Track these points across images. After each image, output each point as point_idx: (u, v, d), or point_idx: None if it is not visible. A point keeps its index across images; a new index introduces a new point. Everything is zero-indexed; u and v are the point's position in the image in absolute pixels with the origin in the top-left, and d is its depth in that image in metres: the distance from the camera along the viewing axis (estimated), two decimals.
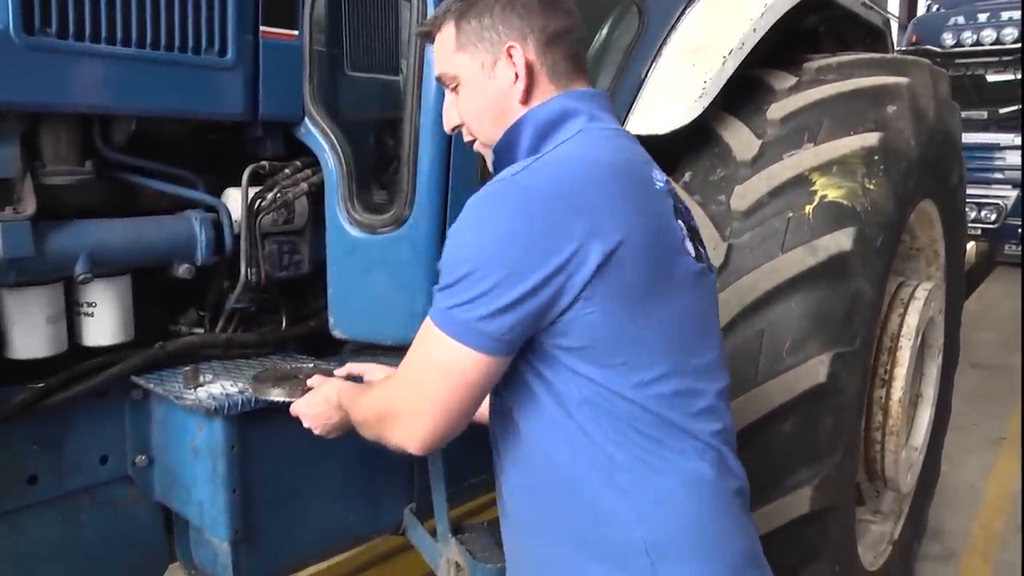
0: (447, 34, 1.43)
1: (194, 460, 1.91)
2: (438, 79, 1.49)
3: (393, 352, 2.21)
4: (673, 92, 2.40)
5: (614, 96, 2.42)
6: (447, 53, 1.43)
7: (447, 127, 1.51)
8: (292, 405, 1.74)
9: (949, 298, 3.29)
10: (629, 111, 2.44)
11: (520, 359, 1.31)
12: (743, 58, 2.41)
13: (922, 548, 3.67)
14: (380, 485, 2.23)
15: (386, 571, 3.19)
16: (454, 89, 1.46)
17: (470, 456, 2.24)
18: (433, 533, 2.23)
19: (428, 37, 1.49)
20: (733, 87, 2.44)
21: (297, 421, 1.87)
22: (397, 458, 2.20)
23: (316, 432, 1.71)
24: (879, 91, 2.43)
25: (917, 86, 2.57)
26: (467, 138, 1.50)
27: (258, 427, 1.91)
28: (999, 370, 7.12)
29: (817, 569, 2.29)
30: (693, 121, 2.36)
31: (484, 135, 1.45)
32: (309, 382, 1.77)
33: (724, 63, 2.39)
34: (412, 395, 1.35)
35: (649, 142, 1.89)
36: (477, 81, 1.41)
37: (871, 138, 2.25)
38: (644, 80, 2.46)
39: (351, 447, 2.11)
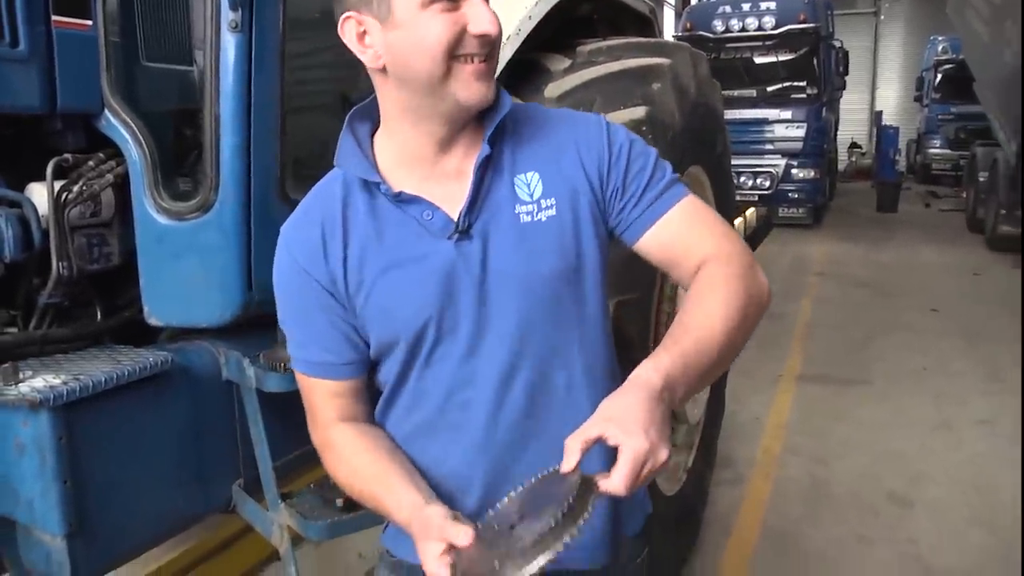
0: None
1: (20, 458, 1.87)
2: None
3: (210, 334, 2.30)
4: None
5: None
6: None
7: (496, 30, 1.24)
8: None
9: None
10: None
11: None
12: (520, 43, 2.59)
13: (716, 475, 4.11)
14: (207, 465, 2.28)
15: (225, 561, 3.21)
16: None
17: (290, 430, 2.35)
18: (263, 506, 2.29)
19: None
20: (514, 69, 2.62)
21: (122, 407, 1.91)
22: (222, 437, 2.30)
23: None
24: (645, 71, 2.70)
25: (679, 66, 2.89)
26: (495, 39, 1.25)
27: (84, 417, 1.90)
28: (777, 317, 7.84)
29: None
30: None
31: (496, 63, 1.30)
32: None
33: (502, 48, 2.59)
34: (734, 243, 1.36)
35: None
36: None
37: (638, 112, 2.51)
38: None
39: (177, 429, 2.18)
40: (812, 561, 3.72)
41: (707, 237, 1.34)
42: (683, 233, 1.34)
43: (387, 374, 1.39)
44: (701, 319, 1.25)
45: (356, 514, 2.17)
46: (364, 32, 1.25)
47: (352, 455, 1.36)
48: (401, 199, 1.29)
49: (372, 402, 1.44)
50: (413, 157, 1.32)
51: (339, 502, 2.19)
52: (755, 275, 1.33)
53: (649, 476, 1.10)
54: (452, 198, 1.30)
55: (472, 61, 1.22)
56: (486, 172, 1.31)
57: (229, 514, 2.45)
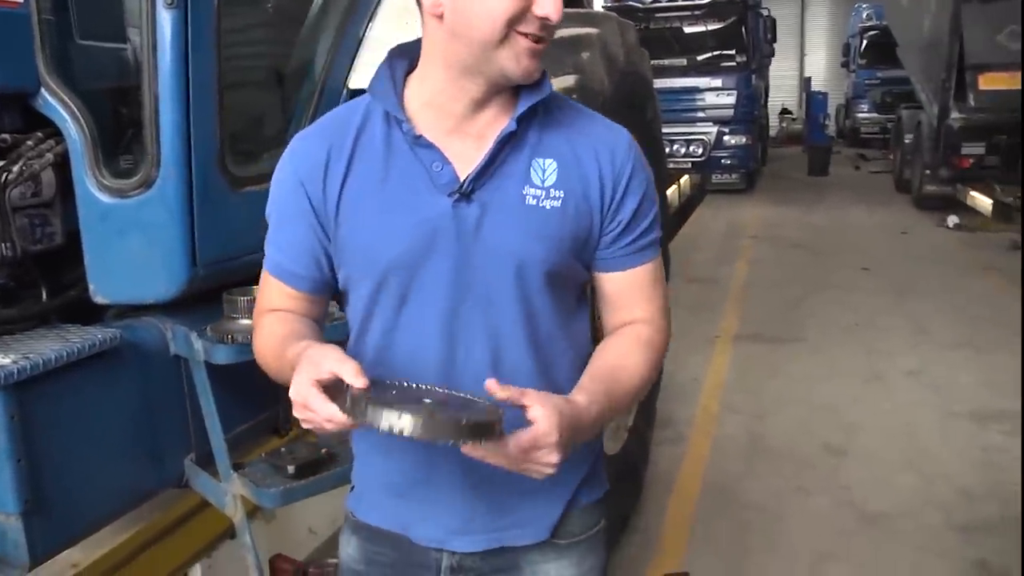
0: None
1: None
2: None
3: (157, 310, 2.31)
4: (388, 48, 2.60)
5: (335, 55, 2.57)
6: None
7: (560, 16, 1.25)
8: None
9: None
10: (351, 68, 2.62)
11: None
12: None
13: (657, 435, 4.23)
14: (159, 440, 2.28)
15: (180, 537, 3.23)
16: None
17: (240, 402, 2.38)
18: (216, 478, 2.31)
19: None
20: None
21: (72, 384, 1.93)
22: (172, 412, 2.32)
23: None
24: (574, 41, 2.76)
25: (607, 35, 2.97)
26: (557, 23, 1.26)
27: (36, 395, 1.89)
28: (711, 282, 8.06)
29: None
30: None
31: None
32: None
33: None
34: (668, 318, 1.45)
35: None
36: None
37: (568, 80, 2.57)
38: (362, 39, 2.64)
39: (128, 405, 2.20)
40: (752, 513, 3.87)
41: (655, 304, 1.43)
42: (641, 289, 1.42)
43: (352, 315, 1.43)
44: (630, 375, 1.36)
45: (308, 480, 2.22)
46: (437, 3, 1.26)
47: (269, 326, 1.41)
48: (419, 143, 1.31)
49: (321, 320, 1.48)
50: (442, 108, 1.33)
51: (290, 469, 2.22)
52: (665, 348, 1.45)
53: (523, 470, 1.18)
54: (467, 158, 1.31)
55: (528, 38, 1.24)
56: (505, 146, 1.32)
57: (183, 490, 2.48)
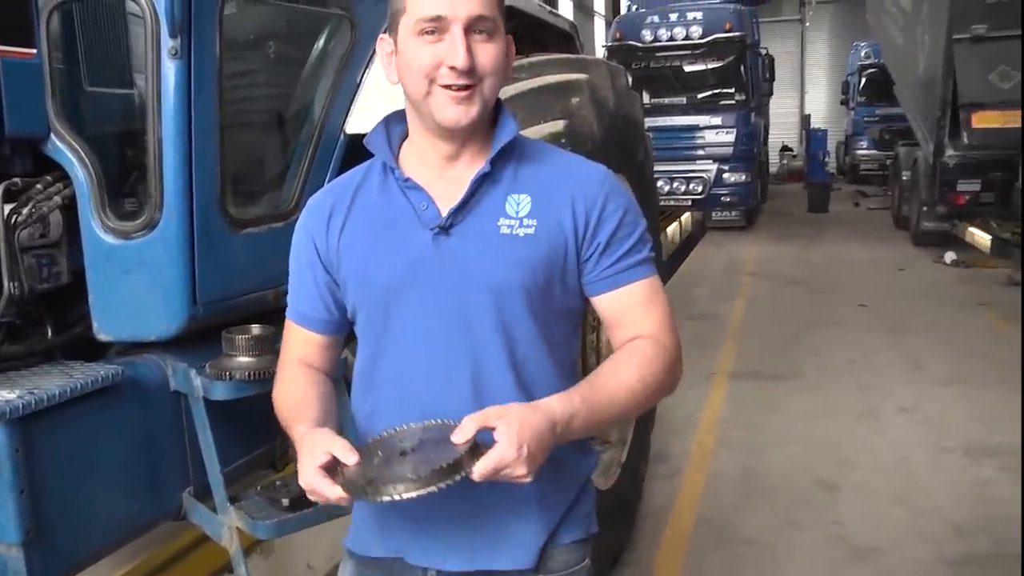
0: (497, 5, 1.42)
1: None
2: (476, 19, 1.37)
3: (158, 347, 2.39)
4: (385, 95, 2.57)
5: (333, 100, 2.67)
6: (494, 9, 1.40)
7: (466, 65, 1.36)
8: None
9: None
10: (348, 113, 2.72)
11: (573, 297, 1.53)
12: None
13: (651, 469, 4.28)
14: (157, 473, 2.35)
15: (177, 572, 3.26)
16: (487, 36, 1.39)
17: (237, 437, 2.44)
18: (212, 511, 2.37)
19: None
20: None
21: (75, 419, 1.99)
22: (171, 446, 2.38)
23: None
24: (564, 86, 2.86)
25: (597, 80, 3.07)
26: (467, 70, 1.37)
27: (39, 429, 1.96)
28: (710, 318, 8.11)
29: None
30: None
31: (489, 93, 1.43)
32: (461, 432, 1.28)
33: None
34: (672, 335, 1.50)
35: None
36: (502, 40, 1.43)
37: (558, 125, 2.66)
38: (360, 85, 2.74)
39: (129, 439, 2.27)
40: (744, 547, 3.90)
41: (652, 320, 1.49)
42: (635, 307, 1.49)
43: (359, 345, 1.57)
44: (616, 385, 1.42)
45: (302, 512, 2.28)
46: (391, 52, 1.46)
47: (288, 382, 1.57)
48: (408, 185, 1.47)
49: (334, 364, 1.65)
50: (425, 159, 1.49)
51: (285, 502, 2.29)
52: (675, 366, 1.50)
53: (503, 479, 1.26)
54: (449, 198, 1.45)
55: (450, 88, 1.38)
56: (482, 185, 1.45)
57: (180, 523, 2.53)
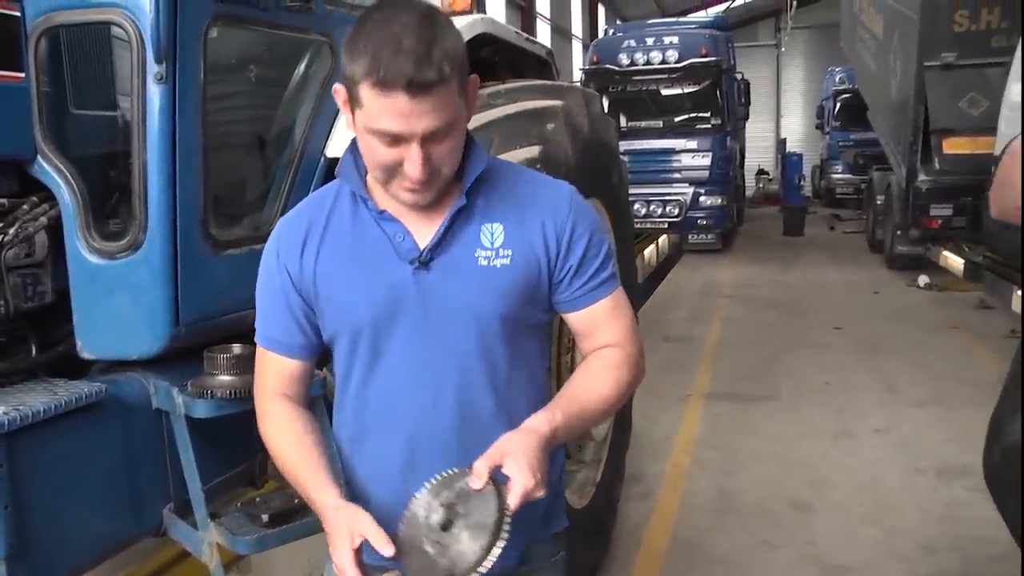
0: (451, 83, 1.34)
1: None
2: (433, 133, 1.35)
3: (140, 365, 2.42)
4: None
5: (314, 123, 2.72)
6: (452, 100, 1.35)
7: (424, 177, 1.38)
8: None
9: (624, 276, 3.94)
10: (328, 137, 2.78)
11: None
12: None
13: (626, 490, 4.32)
14: (139, 489, 2.38)
15: None
16: (444, 134, 1.37)
17: (217, 454, 2.47)
18: (193, 527, 2.40)
19: (427, 89, 1.30)
20: None
21: (59, 435, 2.02)
22: (153, 463, 2.42)
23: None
24: (539, 112, 2.93)
25: (572, 106, 3.14)
26: (426, 180, 1.39)
27: (24, 444, 1.99)
28: (686, 341, 8.18)
29: None
30: None
31: (449, 172, 1.44)
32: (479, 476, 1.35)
33: None
34: (636, 341, 1.61)
35: None
36: (463, 121, 1.42)
37: (534, 150, 2.73)
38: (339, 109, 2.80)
39: (111, 456, 2.30)
40: (718, 567, 3.94)
41: (618, 330, 1.60)
42: (604, 321, 1.59)
43: (337, 369, 1.60)
44: (592, 393, 1.54)
45: (281, 528, 2.32)
46: (346, 102, 1.41)
47: (284, 432, 1.57)
48: (383, 216, 1.49)
49: (308, 390, 1.67)
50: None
51: (264, 518, 2.33)
52: (639, 366, 1.62)
53: (526, 502, 1.35)
54: (424, 229, 1.48)
55: (408, 182, 1.39)
56: (458, 218, 1.48)
57: (161, 539, 2.56)
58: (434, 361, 1.51)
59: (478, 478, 1.34)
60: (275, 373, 1.61)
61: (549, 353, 1.67)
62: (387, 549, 1.33)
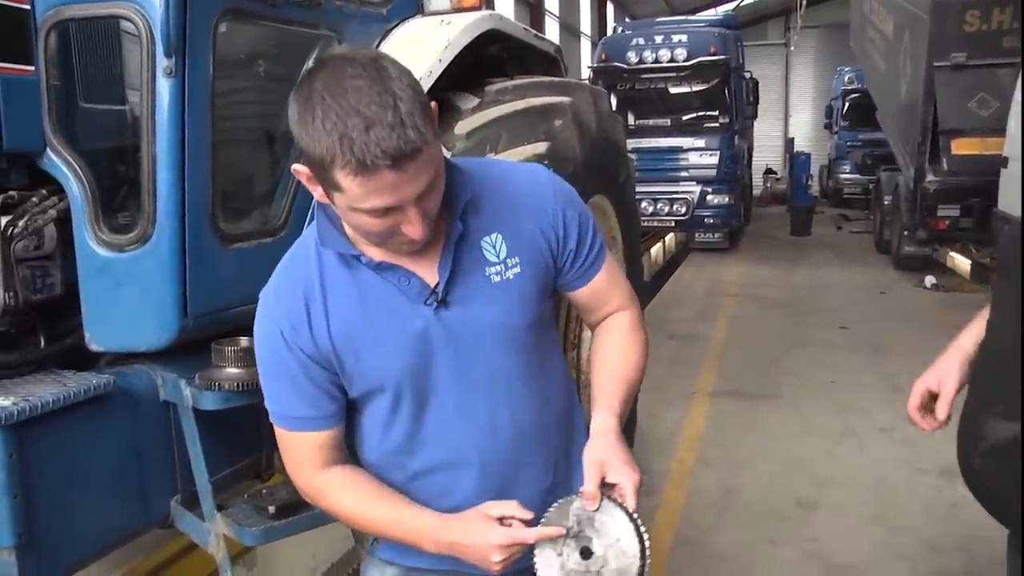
0: (429, 134, 1.26)
1: None
2: (424, 191, 1.30)
3: (148, 358, 2.44)
4: None
5: None
6: (433, 150, 1.29)
7: (426, 235, 1.36)
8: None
9: (630, 275, 3.94)
10: None
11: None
12: (432, 84, 2.80)
13: None
14: (147, 481, 2.41)
15: None
16: (433, 189, 1.33)
17: (224, 447, 2.50)
18: (200, 518, 2.42)
19: (412, 156, 1.23)
20: None
21: (68, 426, 2.03)
22: (160, 455, 2.44)
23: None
24: (547, 108, 2.94)
25: (580, 103, 3.15)
26: (427, 234, 1.36)
27: (33, 435, 2.02)
28: (691, 339, 8.17)
29: None
30: None
31: (435, 212, 1.38)
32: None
33: None
34: (634, 300, 1.72)
35: None
36: (441, 157, 1.36)
37: (541, 147, 2.74)
38: None
39: (119, 447, 2.32)
40: (721, 564, 3.95)
41: (619, 295, 1.67)
42: (604, 290, 1.64)
43: (369, 420, 1.56)
44: (628, 364, 1.62)
45: (287, 520, 2.34)
46: (309, 179, 1.32)
47: (357, 501, 1.52)
48: (382, 267, 1.43)
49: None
50: None
51: (271, 510, 2.35)
52: (642, 320, 1.70)
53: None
54: (426, 263, 1.45)
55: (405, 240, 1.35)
56: (459, 245, 1.45)
57: (168, 530, 2.58)
58: (479, 388, 1.51)
59: (592, 500, 1.40)
60: (315, 449, 1.52)
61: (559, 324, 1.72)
62: (526, 513, 1.40)
